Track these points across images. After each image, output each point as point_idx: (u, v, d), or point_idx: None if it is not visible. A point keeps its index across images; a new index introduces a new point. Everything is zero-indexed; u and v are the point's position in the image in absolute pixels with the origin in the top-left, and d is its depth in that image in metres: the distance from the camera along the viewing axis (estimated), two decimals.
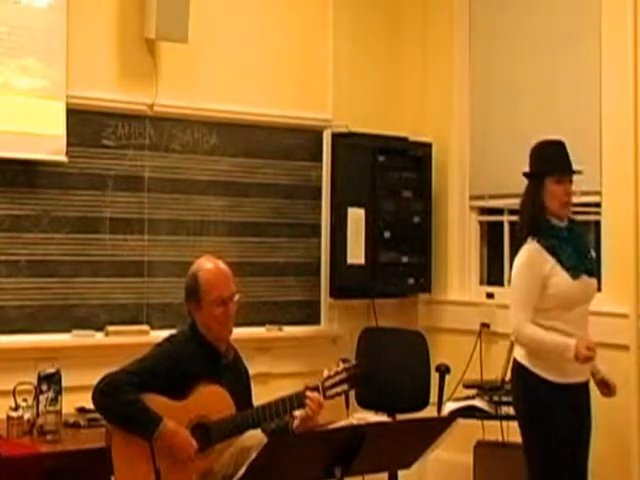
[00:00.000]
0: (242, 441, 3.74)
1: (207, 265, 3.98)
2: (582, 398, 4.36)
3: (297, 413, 3.90)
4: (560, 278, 4.29)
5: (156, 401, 3.71)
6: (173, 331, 4.06)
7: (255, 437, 3.69)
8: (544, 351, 4.28)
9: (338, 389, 3.91)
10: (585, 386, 4.38)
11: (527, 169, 4.45)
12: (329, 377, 3.90)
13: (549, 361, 4.29)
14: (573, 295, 4.29)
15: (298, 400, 3.85)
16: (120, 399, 3.68)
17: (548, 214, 4.36)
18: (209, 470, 3.76)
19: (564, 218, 4.39)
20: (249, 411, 3.87)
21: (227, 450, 3.75)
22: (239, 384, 3.99)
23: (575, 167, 4.42)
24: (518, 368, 4.40)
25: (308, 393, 3.85)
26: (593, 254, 4.46)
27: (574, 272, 4.29)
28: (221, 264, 4.00)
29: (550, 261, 4.30)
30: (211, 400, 3.81)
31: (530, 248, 4.35)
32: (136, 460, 3.68)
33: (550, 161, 4.38)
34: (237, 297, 3.97)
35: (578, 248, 4.37)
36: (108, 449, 3.75)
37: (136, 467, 3.69)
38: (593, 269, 4.41)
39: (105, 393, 3.71)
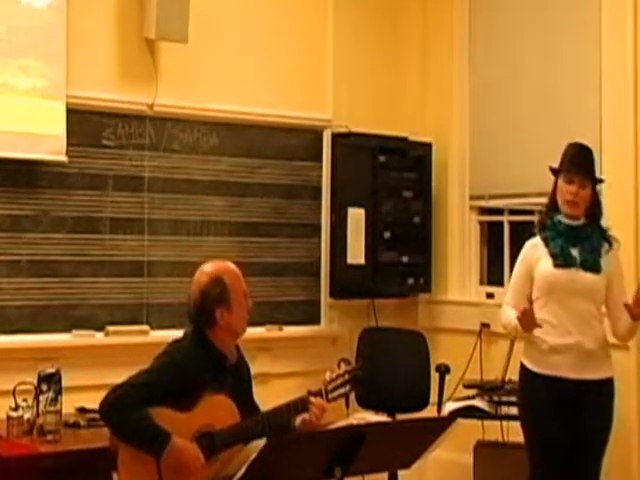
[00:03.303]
0: (247, 450, 3.71)
1: (223, 266, 3.95)
2: (576, 397, 4.36)
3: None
4: (543, 265, 4.44)
5: (163, 415, 3.67)
6: (175, 334, 4.00)
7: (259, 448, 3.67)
8: (507, 326, 4.50)
9: (341, 391, 3.89)
10: (585, 384, 4.37)
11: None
12: (331, 380, 3.88)
13: (528, 349, 4.47)
14: (554, 282, 4.39)
15: (302, 406, 3.82)
16: (129, 416, 3.62)
17: (562, 211, 4.47)
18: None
19: (571, 217, 4.45)
20: (253, 419, 3.84)
21: (231, 462, 3.73)
22: (242, 383, 3.98)
23: (599, 176, 4.54)
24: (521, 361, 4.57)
25: (312, 399, 3.83)
26: (602, 254, 4.46)
27: (556, 260, 4.41)
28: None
29: (540, 252, 4.47)
30: (217, 409, 3.76)
31: (528, 242, 4.57)
32: (142, 476, 3.66)
33: (565, 161, 4.48)
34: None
35: (573, 242, 4.43)
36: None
37: None
38: (596, 266, 4.41)
39: (114, 409, 3.65)
